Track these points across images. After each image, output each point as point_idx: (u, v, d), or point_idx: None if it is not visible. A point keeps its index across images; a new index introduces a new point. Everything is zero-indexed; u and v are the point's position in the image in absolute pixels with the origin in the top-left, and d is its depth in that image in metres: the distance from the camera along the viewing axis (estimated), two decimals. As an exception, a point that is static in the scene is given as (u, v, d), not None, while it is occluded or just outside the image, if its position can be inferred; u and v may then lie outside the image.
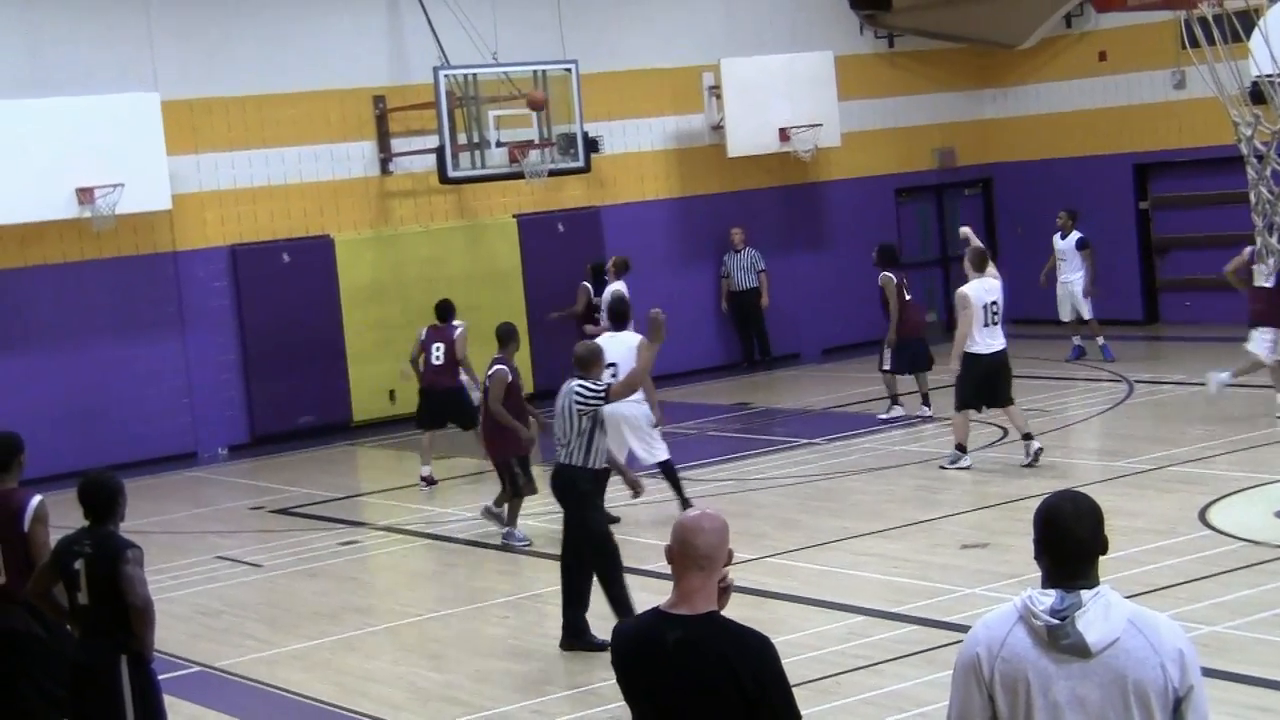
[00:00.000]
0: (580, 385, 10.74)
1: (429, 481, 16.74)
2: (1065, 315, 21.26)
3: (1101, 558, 4.47)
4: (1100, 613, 4.35)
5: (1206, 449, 15.71)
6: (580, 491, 10.72)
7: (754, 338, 23.42)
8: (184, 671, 10.99)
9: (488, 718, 9.63)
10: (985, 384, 14.91)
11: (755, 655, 4.69)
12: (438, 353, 16.47)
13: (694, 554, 4.71)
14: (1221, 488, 13.62)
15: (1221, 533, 12.18)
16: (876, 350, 18.27)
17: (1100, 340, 20.96)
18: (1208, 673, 9.28)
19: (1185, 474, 14.50)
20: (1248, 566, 11.19)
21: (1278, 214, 10.12)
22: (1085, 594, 4.37)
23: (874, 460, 16.03)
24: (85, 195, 18.37)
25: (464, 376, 16.53)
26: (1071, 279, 21.00)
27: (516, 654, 10.87)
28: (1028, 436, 15.04)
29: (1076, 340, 21.35)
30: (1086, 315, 21.04)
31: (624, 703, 4.94)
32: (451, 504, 15.90)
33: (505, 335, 14.14)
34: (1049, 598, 4.38)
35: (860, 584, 11.45)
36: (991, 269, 15.28)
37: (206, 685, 10.80)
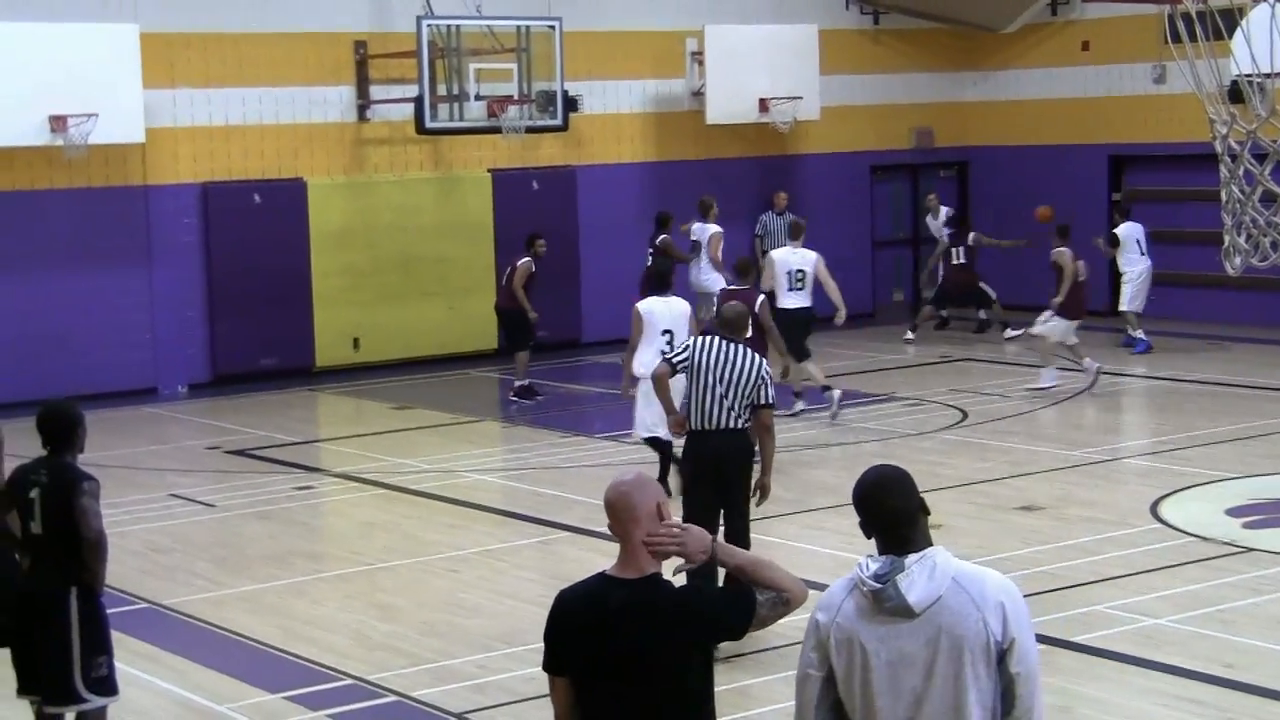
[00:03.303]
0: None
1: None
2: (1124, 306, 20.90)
3: (930, 517, 4.63)
4: (924, 573, 4.49)
5: (1161, 442, 15.84)
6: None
7: None
8: (132, 607, 10.99)
9: (432, 670, 9.67)
10: (788, 335, 15.96)
11: (693, 616, 4.74)
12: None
13: (618, 516, 4.76)
14: (1175, 482, 13.73)
15: (1172, 527, 12.28)
16: (848, 325, 18.14)
17: (1137, 333, 20.58)
18: (1144, 663, 9.45)
19: (1140, 466, 14.63)
20: (1195, 562, 11.30)
21: (1248, 213, 10.17)
22: (911, 558, 4.51)
23: (833, 435, 16.11)
24: (58, 123, 18.24)
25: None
26: (1129, 270, 20.66)
27: (463, 608, 10.90)
28: (826, 388, 16.77)
29: (1139, 333, 20.77)
30: (1122, 306, 20.77)
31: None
32: (409, 455, 15.90)
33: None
34: (876, 564, 4.53)
35: (813, 557, 11.53)
36: (801, 241, 17.23)
37: (153, 622, 10.81)
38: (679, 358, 10.17)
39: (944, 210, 23.04)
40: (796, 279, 16.90)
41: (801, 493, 13.88)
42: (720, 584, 6.43)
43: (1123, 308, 20.80)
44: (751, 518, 10.11)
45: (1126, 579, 10.92)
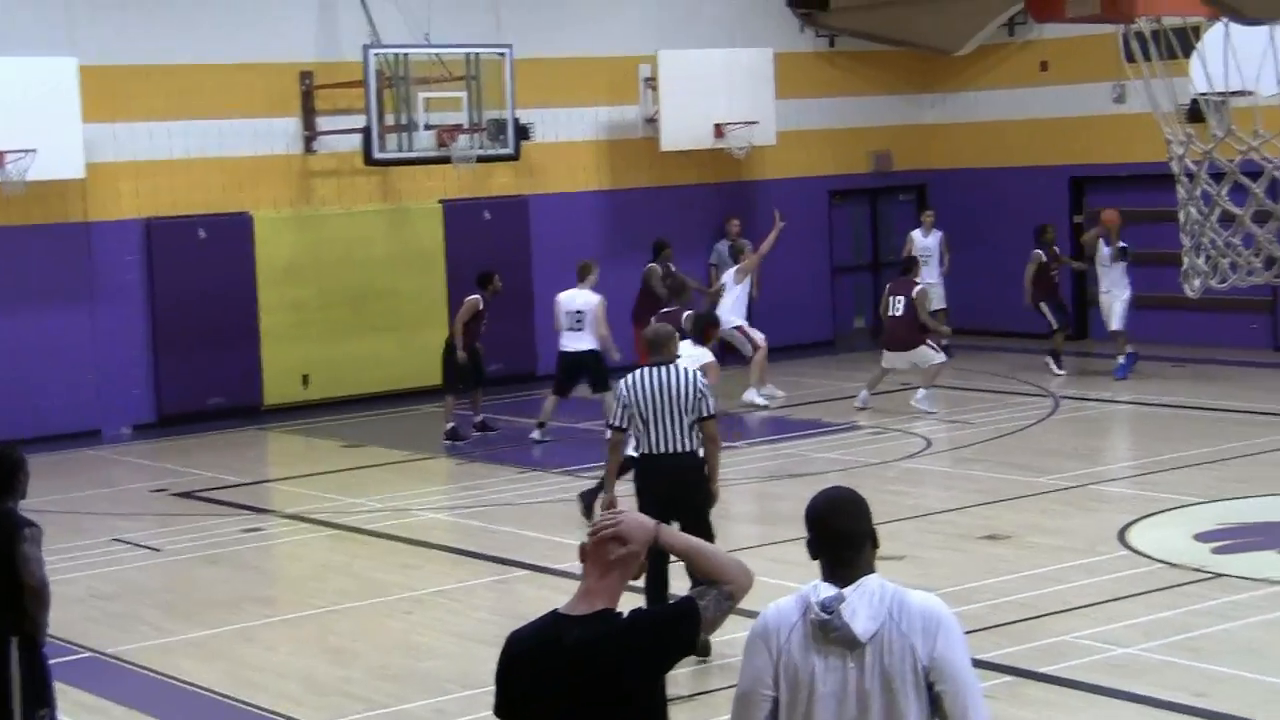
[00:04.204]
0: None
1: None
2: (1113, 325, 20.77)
3: (877, 550, 4.68)
4: (864, 602, 4.56)
5: (1128, 467, 15.92)
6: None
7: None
8: (75, 656, 10.89)
9: (387, 714, 9.62)
10: (563, 375, 17.40)
11: (645, 640, 4.75)
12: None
13: (590, 562, 4.79)
14: (1143, 508, 13.79)
15: (1141, 553, 12.33)
16: (808, 353, 18.41)
17: (1120, 358, 20.40)
18: (1113, 693, 9.46)
19: (1106, 492, 14.68)
20: (1165, 588, 11.34)
21: (1206, 235, 10.24)
22: (848, 588, 4.58)
23: (796, 466, 16.13)
24: (-5, 160, 18.18)
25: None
26: (1112, 291, 20.58)
27: (419, 650, 10.85)
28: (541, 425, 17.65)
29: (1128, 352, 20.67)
30: (1113, 326, 20.61)
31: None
32: (361, 494, 15.84)
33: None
34: (825, 592, 4.59)
35: (778, 591, 11.50)
36: (589, 284, 17.77)
37: (98, 672, 10.71)
38: (616, 418, 10.43)
39: (936, 232, 22.59)
40: (576, 320, 17.68)
41: (766, 525, 13.90)
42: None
43: (1118, 327, 20.56)
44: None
45: (1095, 607, 10.95)
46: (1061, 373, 20.51)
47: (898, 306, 18.83)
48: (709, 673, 9.66)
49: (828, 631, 4.56)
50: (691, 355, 13.13)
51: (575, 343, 17.73)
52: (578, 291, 17.92)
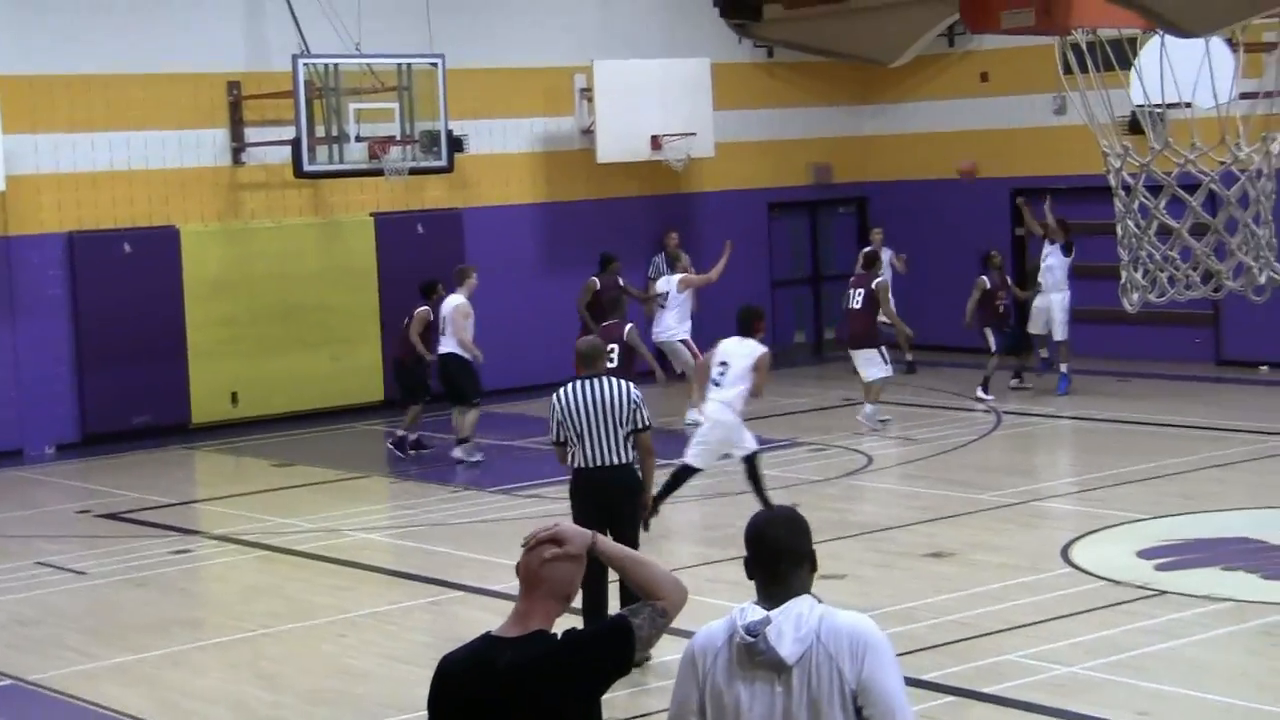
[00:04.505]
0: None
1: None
2: (1037, 328, 20.94)
3: (815, 572, 4.69)
4: (790, 624, 4.55)
5: (1071, 484, 16.05)
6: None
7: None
8: (-3, 683, 10.81)
9: (319, 741, 9.57)
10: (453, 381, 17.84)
11: (579, 660, 4.75)
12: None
13: (526, 581, 4.79)
14: (1086, 524, 13.91)
15: (1083, 570, 12.43)
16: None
17: (1063, 368, 20.52)
18: (1056, 713, 9.53)
19: (1049, 509, 14.80)
20: (1108, 606, 11.44)
21: (1144, 248, 10.35)
22: (775, 610, 4.58)
23: (736, 484, 16.13)
24: (-88, 172, 18.02)
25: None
26: (1053, 294, 20.65)
27: (353, 674, 10.81)
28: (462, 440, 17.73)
29: (1044, 355, 20.82)
30: (1059, 336, 20.64)
31: None
32: (292, 514, 15.76)
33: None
34: (752, 615, 4.60)
35: (714, 611, 11.52)
36: (465, 289, 18.02)
37: (19, 700, 10.62)
38: (552, 433, 10.58)
39: (886, 250, 22.05)
40: (441, 326, 18.07)
41: (703, 545, 13.93)
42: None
43: (1062, 337, 20.64)
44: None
45: (1038, 626, 11.02)
46: (989, 398, 20.07)
47: (857, 299, 18.88)
48: (646, 695, 9.66)
49: (753, 655, 4.55)
50: (742, 349, 13.49)
51: (441, 346, 18.00)
52: (455, 296, 18.07)
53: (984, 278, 20.65)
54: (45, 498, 17.33)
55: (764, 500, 13.46)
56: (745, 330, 13.98)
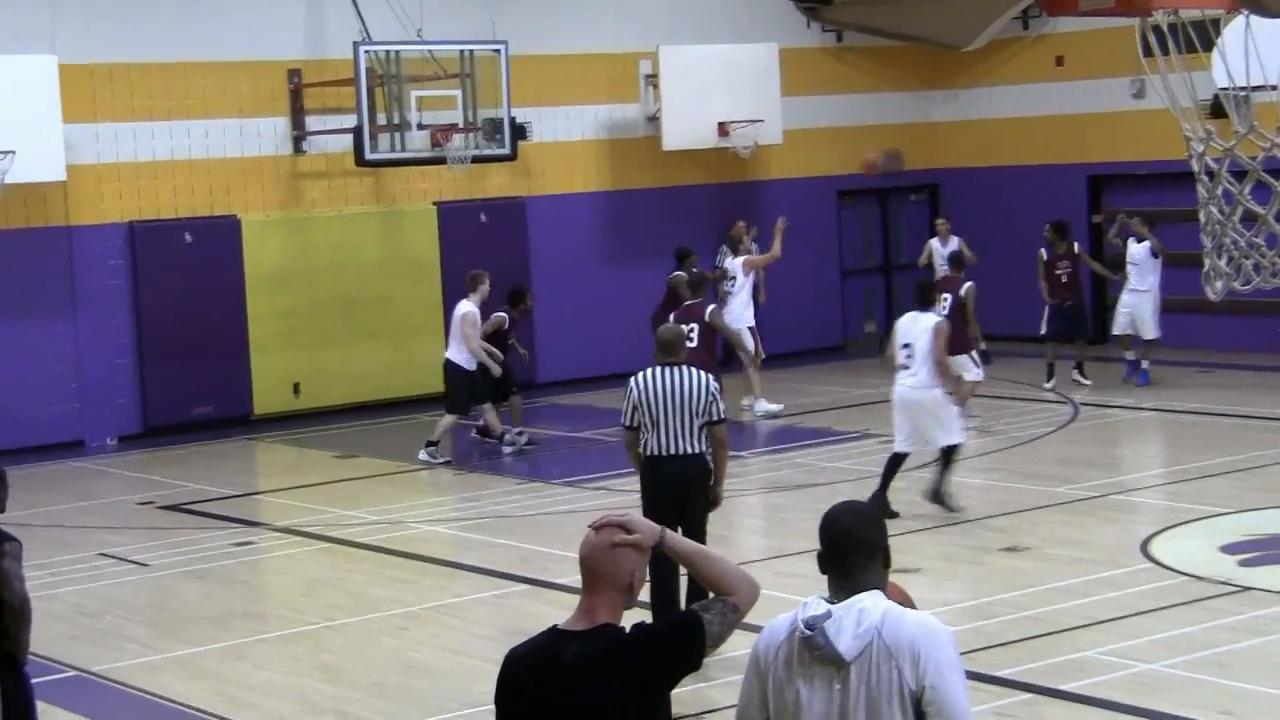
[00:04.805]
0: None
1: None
2: (1120, 329, 20.76)
3: (888, 569, 4.66)
4: (851, 620, 4.52)
5: (1150, 477, 15.91)
6: None
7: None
8: (59, 675, 10.88)
9: (382, 735, 9.61)
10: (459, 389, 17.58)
11: (648, 657, 4.72)
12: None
13: (588, 571, 4.76)
14: (1166, 518, 13.78)
15: (1163, 566, 12.31)
16: (817, 359, 18.36)
17: (1144, 364, 20.34)
18: (1137, 711, 9.43)
19: (1128, 503, 14.67)
20: (1189, 603, 11.32)
21: (1228, 235, 10.22)
22: (839, 605, 4.55)
23: (805, 476, 16.11)
24: (-26, 162, 18.18)
25: None
26: (1142, 291, 20.43)
27: (415, 668, 10.84)
28: (501, 436, 17.79)
29: (1130, 357, 20.64)
30: (1150, 334, 20.41)
31: None
32: (354, 506, 15.83)
33: None
34: (814, 609, 4.57)
35: (787, 606, 11.48)
36: (476, 296, 17.59)
37: (82, 691, 10.70)
38: (626, 417, 10.53)
39: (954, 239, 21.69)
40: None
41: (773, 538, 13.89)
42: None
43: (1153, 335, 20.39)
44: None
45: (1117, 622, 10.92)
46: (1087, 381, 20.19)
47: (944, 306, 18.33)
48: (712, 689, 9.64)
49: (812, 649, 4.52)
50: (918, 326, 13.51)
51: (448, 351, 17.82)
52: (462, 304, 17.77)
53: (1041, 250, 20.47)
54: (106, 489, 17.48)
55: (882, 488, 13.73)
56: (923, 303, 14.01)
